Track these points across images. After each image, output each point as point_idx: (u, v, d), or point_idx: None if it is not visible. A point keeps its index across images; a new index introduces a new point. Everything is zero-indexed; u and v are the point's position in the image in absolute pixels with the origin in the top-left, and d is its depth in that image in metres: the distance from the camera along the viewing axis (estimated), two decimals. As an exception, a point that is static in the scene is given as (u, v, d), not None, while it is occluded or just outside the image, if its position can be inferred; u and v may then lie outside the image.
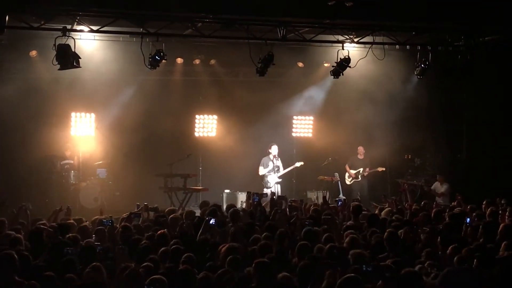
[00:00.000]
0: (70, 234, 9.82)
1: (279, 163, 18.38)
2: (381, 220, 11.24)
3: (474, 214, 11.78)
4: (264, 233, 9.82)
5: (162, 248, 8.88)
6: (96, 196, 17.65)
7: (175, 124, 19.19)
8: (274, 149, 18.32)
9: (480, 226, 10.17)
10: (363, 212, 12.02)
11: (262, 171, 18.29)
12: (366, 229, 10.53)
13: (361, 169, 19.14)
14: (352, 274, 6.63)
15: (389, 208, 12.95)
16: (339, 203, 13.69)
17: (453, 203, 14.43)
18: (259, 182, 18.29)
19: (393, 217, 11.51)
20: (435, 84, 18.49)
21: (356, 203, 12.38)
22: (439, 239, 9.56)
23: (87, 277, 7.50)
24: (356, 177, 19.22)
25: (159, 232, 9.90)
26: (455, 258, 8.19)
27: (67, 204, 12.96)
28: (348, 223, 10.92)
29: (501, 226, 10.10)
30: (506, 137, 17.96)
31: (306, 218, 11.62)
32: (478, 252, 8.39)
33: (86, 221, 11.26)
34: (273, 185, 18.14)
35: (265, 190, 17.48)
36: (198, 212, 12.62)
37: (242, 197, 17.95)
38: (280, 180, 18.41)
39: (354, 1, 13.44)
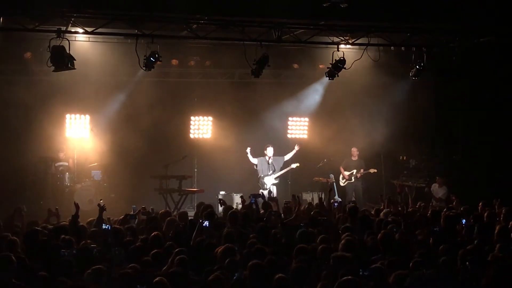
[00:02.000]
0: (65, 236, 9.79)
1: (280, 159, 18.46)
2: (378, 221, 11.24)
3: (471, 216, 11.78)
4: (257, 235, 9.83)
5: (156, 250, 8.89)
6: (91, 198, 17.59)
7: (170, 126, 19.19)
8: (269, 151, 18.37)
9: (475, 228, 10.19)
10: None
11: (252, 159, 18.29)
12: (361, 231, 10.54)
13: (355, 171, 19.12)
14: (350, 277, 6.63)
15: (387, 209, 12.93)
16: (335, 204, 13.70)
17: (450, 205, 14.40)
18: (254, 183, 18.30)
19: (389, 218, 11.51)
20: (430, 85, 18.50)
21: (353, 204, 12.37)
22: (431, 240, 9.60)
23: (88, 279, 7.50)
24: (349, 179, 19.19)
25: (152, 234, 9.90)
26: (446, 259, 8.21)
27: (62, 206, 13.00)
28: (345, 225, 10.91)
29: (497, 228, 10.11)
30: (501, 138, 17.96)
31: (299, 219, 11.63)
32: (472, 254, 8.40)
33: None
34: (269, 186, 18.16)
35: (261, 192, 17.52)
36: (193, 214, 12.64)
37: (237, 198, 17.96)
38: (277, 181, 18.43)
39: (349, 3, 13.44)
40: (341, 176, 19.42)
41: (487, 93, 17.86)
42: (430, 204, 15.73)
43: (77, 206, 11.19)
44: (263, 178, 18.27)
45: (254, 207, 12.80)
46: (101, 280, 7.55)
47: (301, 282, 7.56)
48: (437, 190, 17.68)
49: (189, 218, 11.85)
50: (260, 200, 13.86)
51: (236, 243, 9.34)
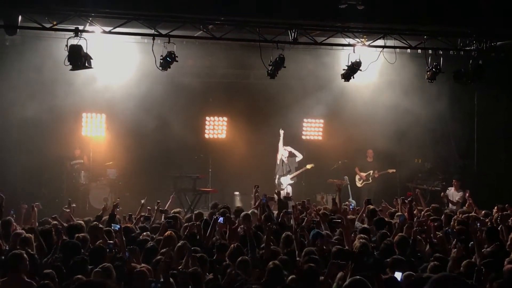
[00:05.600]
0: (80, 235, 9.84)
1: (293, 160, 18.51)
2: (391, 224, 11.25)
3: (487, 220, 11.75)
4: (272, 237, 9.85)
5: (170, 249, 8.92)
6: (106, 197, 17.70)
7: (185, 126, 19.20)
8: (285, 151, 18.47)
9: (489, 231, 10.15)
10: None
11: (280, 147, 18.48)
12: (375, 232, 10.56)
13: (371, 171, 19.13)
14: (358, 277, 6.63)
15: (400, 213, 12.89)
16: (351, 206, 13.72)
17: (464, 207, 14.34)
18: (269, 183, 18.27)
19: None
20: (446, 88, 18.41)
21: (372, 206, 12.34)
22: (451, 244, 9.58)
23: (96, 277, 7.53)
24: (367, 179, 19.19)
25: (166, 233, 9.95)
26: (463, 263, 8.19)
27: (77, 204, 13.11)
28: (362, 226, 10.93)
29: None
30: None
31: (313, 221, 11.65)
32: (487, 257, 8.39)
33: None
34: (285, 186, 18.19)
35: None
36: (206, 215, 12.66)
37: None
38: (293, 181, 18.46)
39: (365, 5, 13.44)
40: (357, 177, 19.40)
41: (503, 97, 17.79)
42: (446, 207, 15.64)
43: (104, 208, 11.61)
44: (279, 178, 18.31)
45: (266, 207, 12.80)
46: (111, 278, 7.58)
47: (310, 282, 7.55)
48: (454, 193, 17.51)
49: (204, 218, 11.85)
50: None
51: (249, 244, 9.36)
